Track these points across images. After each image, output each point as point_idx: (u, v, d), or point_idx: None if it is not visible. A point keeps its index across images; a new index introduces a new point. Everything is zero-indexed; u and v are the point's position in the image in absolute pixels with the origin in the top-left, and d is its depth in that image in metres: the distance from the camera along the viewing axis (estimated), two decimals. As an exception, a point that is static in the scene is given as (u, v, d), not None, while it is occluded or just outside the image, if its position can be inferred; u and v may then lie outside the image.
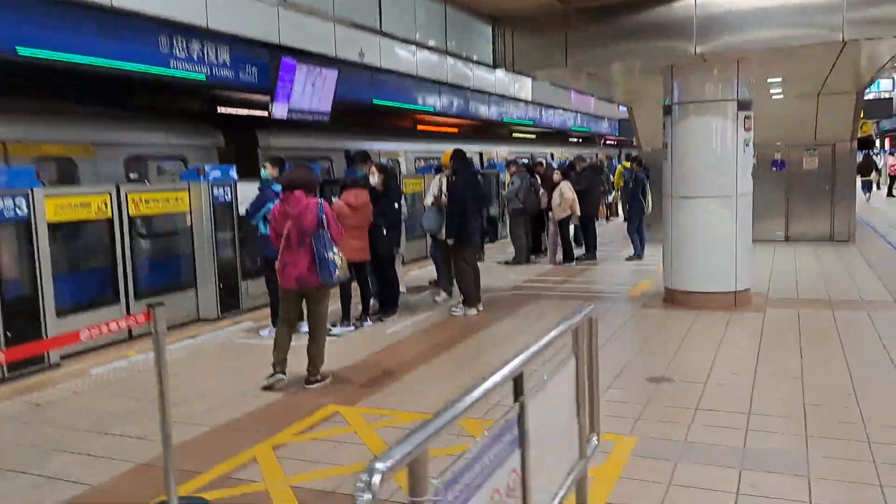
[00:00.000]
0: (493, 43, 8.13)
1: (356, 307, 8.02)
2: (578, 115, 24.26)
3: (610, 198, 19.65)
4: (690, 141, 8.23)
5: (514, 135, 23.81)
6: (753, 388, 5.35)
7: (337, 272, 5.66)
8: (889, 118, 36.87)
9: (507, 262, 12.40)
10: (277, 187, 7.20)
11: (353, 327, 7.77)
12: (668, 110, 8.47)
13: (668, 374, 5.82)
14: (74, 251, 7.24)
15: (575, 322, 3.13)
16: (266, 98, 9.13)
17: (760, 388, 5.35)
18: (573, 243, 12.55)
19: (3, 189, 6.02)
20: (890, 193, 26.45)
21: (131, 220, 7.54)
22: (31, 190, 6.27)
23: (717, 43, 7.44)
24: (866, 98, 16.11)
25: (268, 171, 7.50)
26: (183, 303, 8.20)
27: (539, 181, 12.76)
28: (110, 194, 7.28)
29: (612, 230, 16.85)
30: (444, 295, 9.10)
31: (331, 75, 9.98)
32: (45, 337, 6.30)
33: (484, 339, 7.27)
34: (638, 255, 12.34)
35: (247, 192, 8.42)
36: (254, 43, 8.79)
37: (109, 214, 7.28)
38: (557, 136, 26.03)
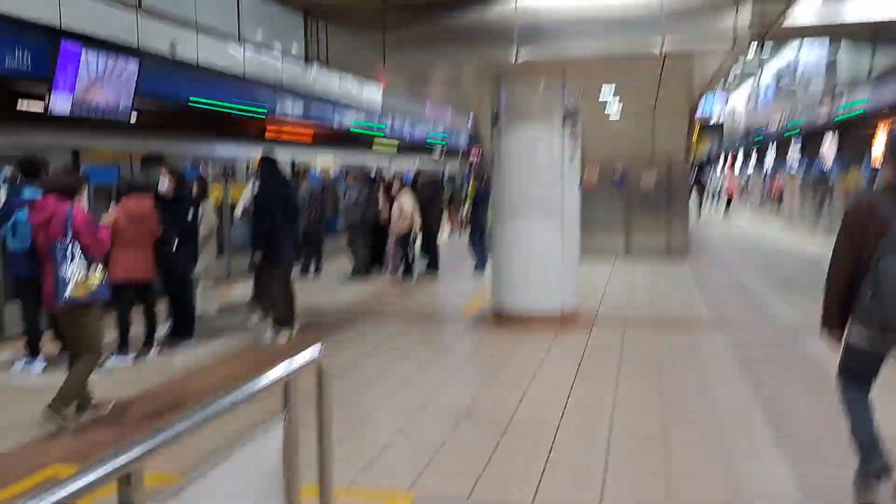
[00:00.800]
0: (305, 37, 7.34)
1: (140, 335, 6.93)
2: (436, 126, 23.91)
3: (464, 211, 19.39)
4: (516, 153, 7.82)
5: (375, 147, 23.13)
6: (558, 428, 4.85)
7: (68, 292, 4.66)
8: (720, 141, 39.54)
9: (348, 276, 11.62)
10: (32, 193, 6.05)
11: (131, 357, 6.68)
12: (495, 120, 8.03)
13: (474, 409, 5.24)
14: None
15: (285, 375, 2.37)
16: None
17: (566, 428, 4.86)
18: (419, 257, 11.98)
19: None
20: (726, 212, 28.00)
21: None
22: None
23: (540, 50, 7.04)
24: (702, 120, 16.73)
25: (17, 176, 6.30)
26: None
27: (380, 192, 12.11)
28: None
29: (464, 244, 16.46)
30: (255, 318, 8.17)
31: (130, 67, 8.80)
32: None
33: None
34: (479, 269, 11.93)
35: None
36: (27, 24, 7.52)
37: None
38: (420, 149, 25.60)
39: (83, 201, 5.22)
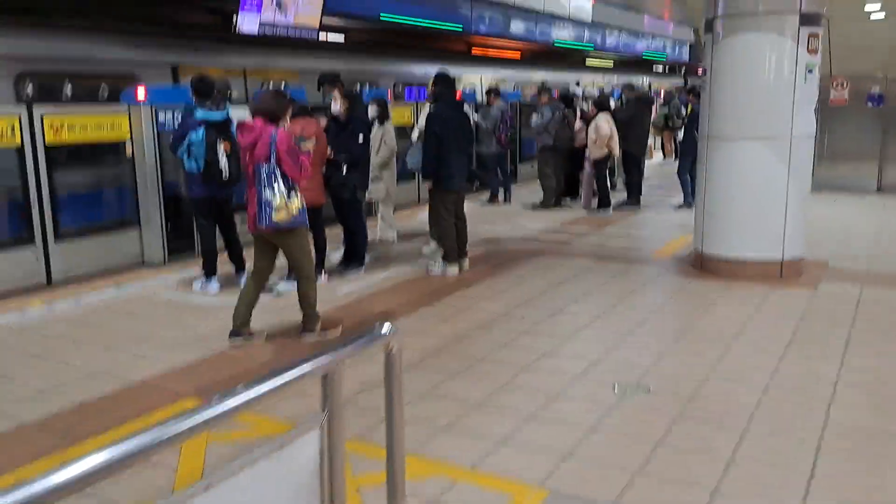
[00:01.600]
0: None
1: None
2: (654, 38, 21.72)
3: (681, 134, 17.52)
4: (735, 66, 6.39)
5: (589, 62, 21.70)
6: (755, 412, 3.83)
7: (274, 215, 4.68)
8: None
9: (534, 206, 10.87)
10: (204, 114, 5.98)
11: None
12: (709, 26, 6.62)
13: (646, 379, 4.34)
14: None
15: (322, 365, 1.77)
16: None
17: (766, 413, 3.82)
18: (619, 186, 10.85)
19: None
20: None
21: (49, 148, 6.49)
22: None
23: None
24: None
25: (192, 95, 6.25)
26: (123, 245, 7.21)
27: (576, 114, 11.03)
28: (19, 117, 6.23)
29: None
30: (433, 245, 7.75)
31: (317, -17, 8.53)
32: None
33: (445, 309, 5.91)
34: (688, 202, 10.51)
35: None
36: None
37: (18, 142, 6.25)
38: (638, 64, 23.61)
39: (287, 124, 5.07)
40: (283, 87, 8.68)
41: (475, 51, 15.62)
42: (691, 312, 5.81)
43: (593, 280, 6.73)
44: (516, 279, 6.76)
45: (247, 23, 7.82)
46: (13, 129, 6.17)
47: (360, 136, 6.67)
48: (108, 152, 7.14)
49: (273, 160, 4.68)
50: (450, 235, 7.02)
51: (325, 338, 5.14)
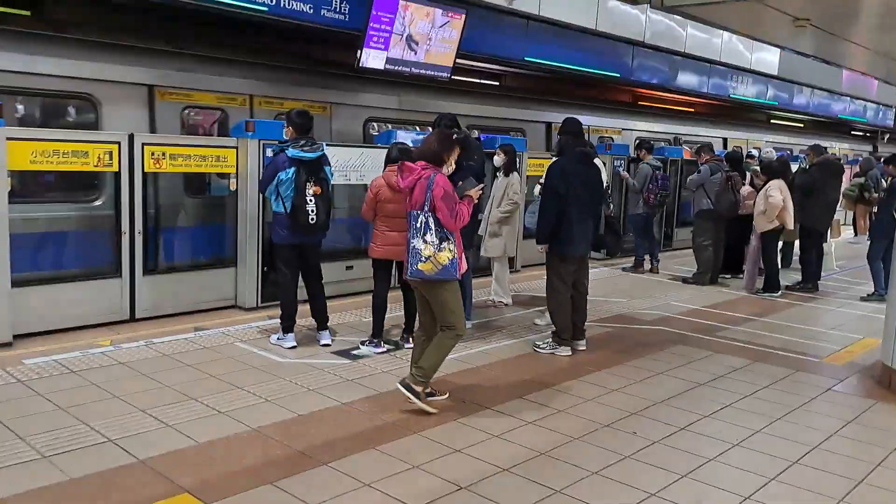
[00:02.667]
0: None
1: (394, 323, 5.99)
2: (852, 100, 19.24)
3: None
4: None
5: (773, 121, 19.69)
6: None
7: (419, 266, 4.37)
8: None
9: (684, 280, 9.42)
10: (295, 152, 5.40)
11: (382, 348, 5.76)
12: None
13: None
14: (55, 209, 6.06)
15: None
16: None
17: None
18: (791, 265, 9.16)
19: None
20: None
21: (147, 177, 6.22)
22: (-10, 129, 5.16)
23: None
24: None
25: (285, 131, 5.69)
26: (217, 284, 6.80)
27: (744, 177, 9.52)
28: (119, 144, 6.00)
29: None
30: (547, 318, 6.66)
31: (454, 20, 7.86)
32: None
33: (540, 406, 4.80)
34: (879, 294, 8.60)
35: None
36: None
37: (115, 168, 6.01)
38: (831, 126, 21.12)
39: (449, 169, 4.64)
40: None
41: (642, 102, 14.46)
42: (873, 451, 4.27)
43: (742, 386, 5.31)
44: (641, 374, 5.50)
45: (371, 59, 7.30)
46: (111, 156, 5.95)
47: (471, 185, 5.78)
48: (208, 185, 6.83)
49: (427, 207, 4.34)
50: (563, 310, 5.91)
51: (427, 404, 4.50)
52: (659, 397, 4.98)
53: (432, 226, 4.37)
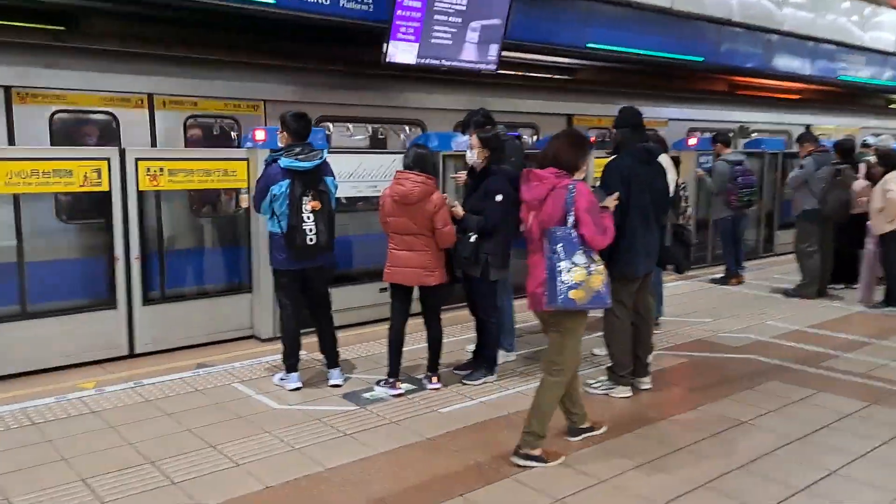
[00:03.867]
0: None
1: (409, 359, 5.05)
2: None
3: None
4: None
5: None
6: None
7: (570, 293, 3.63)
8: None
9: (785, 292, 7.99)
10: (289, 161, 4.59)
11: (399, 389, 4.83)
12: None
13: None
14: (34, 235, 5.40)
15: None
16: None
17: None
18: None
19: None
20: None
21: (143, 196, 5.57)
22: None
23: None
24: None
25: (279, 137, 4.87)
26: (231, 313, 6.08)
27: (857, 171, 8.00)
28: (108, 160, 5.37)
29: None
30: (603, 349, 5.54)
31: (498, 5, 6.88)
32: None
33: (576, 474, 3.73)
34: None
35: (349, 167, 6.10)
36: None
37: (105, 187, 5.39)
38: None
39: (586, 175, 4.01)
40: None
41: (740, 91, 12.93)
42: None
43: (854, 443, 4.04)
44: (718, 424, 4.31)
45: (400, 53, 6.43)
46: (99, 174, 5.33)
47: (500, 195, 4.79)
48: (217, 202, 6.12)
49: (570, 222, 3.67)
50: (622, 341, 4.80)
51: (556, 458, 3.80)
52: (738, 460, 3.81)
53: (579, 243, 3.69)
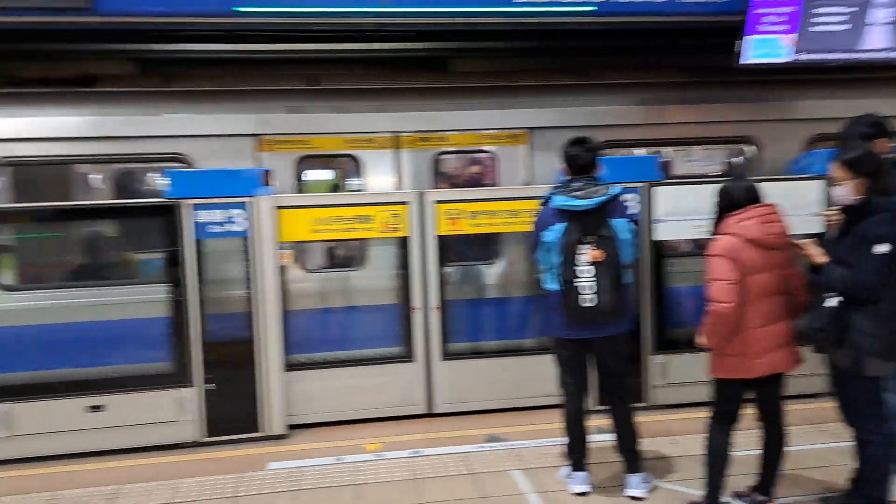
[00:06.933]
0: None
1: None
2: None
3: None
4: None
5: None
6: None
7: None
8: None
9: None
10: (563, 200, 3.62)
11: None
12: None
13: None
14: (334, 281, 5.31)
15: None
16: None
17: None
18: None
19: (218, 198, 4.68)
20: None
21: (441, 241, 5.07)
22: (253, 198, 4.71)
23: None
24: None
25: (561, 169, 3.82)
26: (537, 375, 5.15)
27: None
28: (408, 204, 5.01)
29: None
30: None
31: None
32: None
33: None
34: None
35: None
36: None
37: (405, 232, 5.04)
38: None
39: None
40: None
41: None
42: None
43: None
44: None
45: (761, 50, 4.79)
46: (398, 219, 5.00)
47: (885, 245, 2.99)
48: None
49: None
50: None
51: None
52: None
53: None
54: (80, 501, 3.97)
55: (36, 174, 5.52)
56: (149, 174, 5.90)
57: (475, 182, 6.06)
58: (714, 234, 3.43)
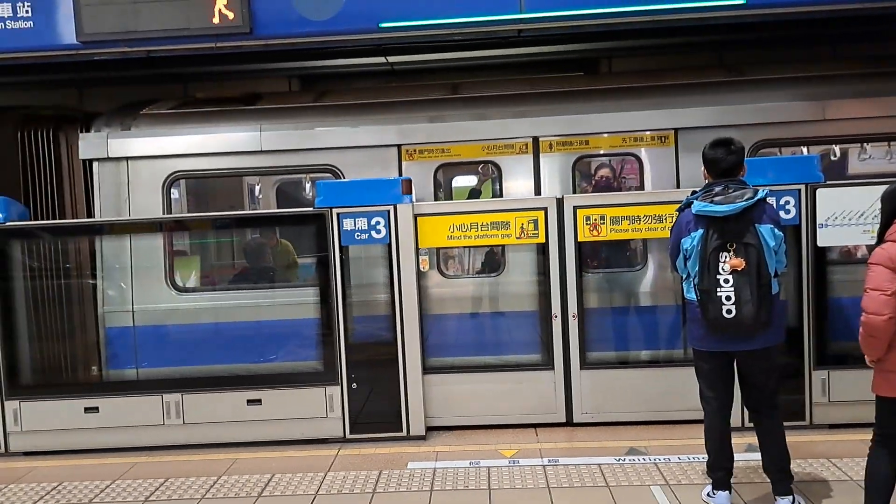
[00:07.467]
0: None
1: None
2: None
3: None
4: None
5: None
6: None
7: None
8: None
9: None
10: (701, 206, 3.45)
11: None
12: None
13: None
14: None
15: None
16: None
17: None
18: None
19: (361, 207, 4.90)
20: None
21: (580, 247, 4.96)
22: (394, 206, 4.88)
23: None
24: None
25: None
26: (683, 386, 4.91)
27: None
28: (545, 210, 4.96)
29: None
30: None
31: None
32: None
33: None
34: None
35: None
36: None
37: (542, 238, 4.99)
38: None
39: None
40: None
41: None
42: None
43: None
44: None
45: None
46: (536, 225, 4.97)
47: None
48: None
49: None
50: None
51: None
52: None
53: None
54: (236, 487, 4.32)
55: (206, 187, 6.08)
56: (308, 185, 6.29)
57: (617, 187, 5.89)
58: (879, 240, 3.10)
